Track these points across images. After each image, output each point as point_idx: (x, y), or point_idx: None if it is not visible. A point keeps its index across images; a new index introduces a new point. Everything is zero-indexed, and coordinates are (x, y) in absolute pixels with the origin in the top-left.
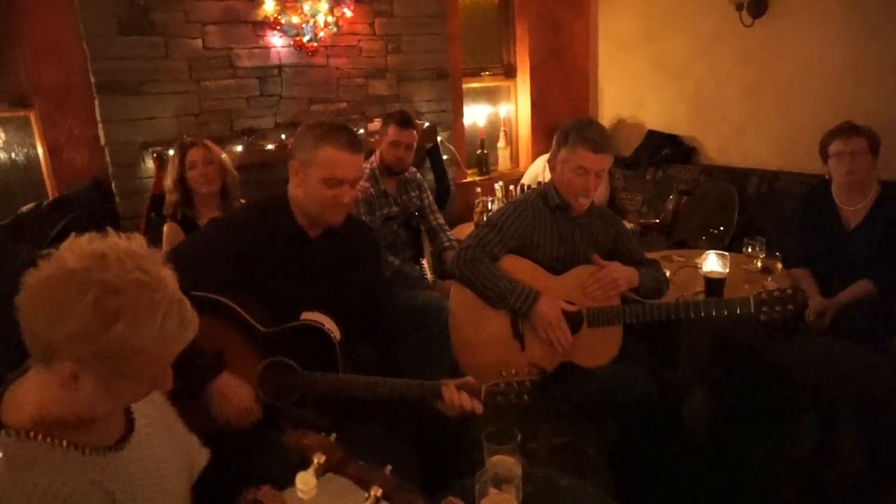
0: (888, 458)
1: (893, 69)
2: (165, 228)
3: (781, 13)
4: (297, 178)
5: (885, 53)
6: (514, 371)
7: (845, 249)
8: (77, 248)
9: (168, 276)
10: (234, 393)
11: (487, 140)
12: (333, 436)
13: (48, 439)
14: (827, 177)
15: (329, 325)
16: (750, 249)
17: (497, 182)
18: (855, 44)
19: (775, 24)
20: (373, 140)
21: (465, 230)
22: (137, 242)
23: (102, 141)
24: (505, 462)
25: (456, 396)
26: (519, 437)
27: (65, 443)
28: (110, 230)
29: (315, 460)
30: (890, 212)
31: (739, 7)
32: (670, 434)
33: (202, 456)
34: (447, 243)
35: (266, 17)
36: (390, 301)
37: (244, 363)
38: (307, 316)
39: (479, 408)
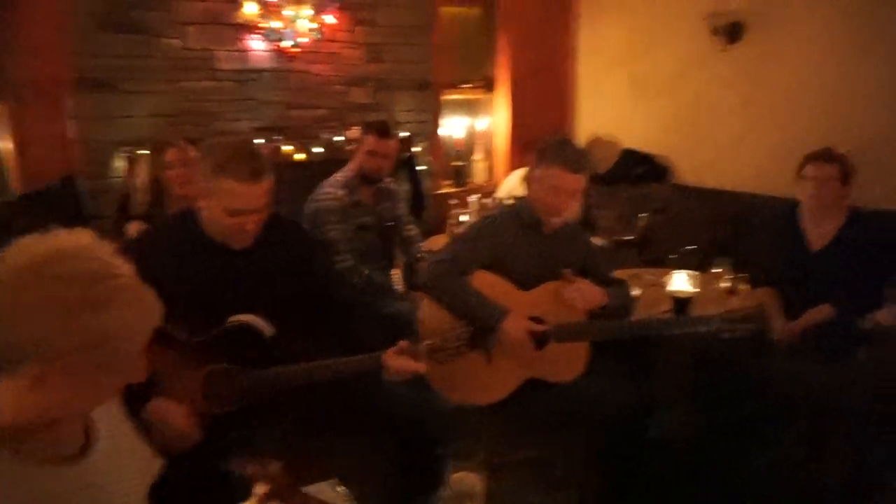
0: (871, 467)
1: (866, 94)
2: (132, 227)
3: (757, 39)
4: (202, 204)
5: (859, 79)
6: (447, 328)
7: (809, 270)
8: (25, 248)
9: (123, 263)
10: (164, 419)
11: (464, 152)
12: (280, 464)
13: (5, 452)
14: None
15: (256, 321)
16: (717, 269)
17: (472, 195)
18: (828, 69)
19: (751, 50)
20: (350, 147)
21: (439, 242)
22: (85, 235)
23: (75, 138)
24: (467, 479)
25: (399, 362)
26: (482, 455)
27: (18, 457)
28: (54, 228)
29: (258, 490)
30: (856, 237)
31: (715, 32)
32: (640, 449)
33: (156, 464)
34: (419, 254)
35: (247, 20)
36: (337, 295)
37: (182, 378)
38: (234, 318)
39: (421, 367)
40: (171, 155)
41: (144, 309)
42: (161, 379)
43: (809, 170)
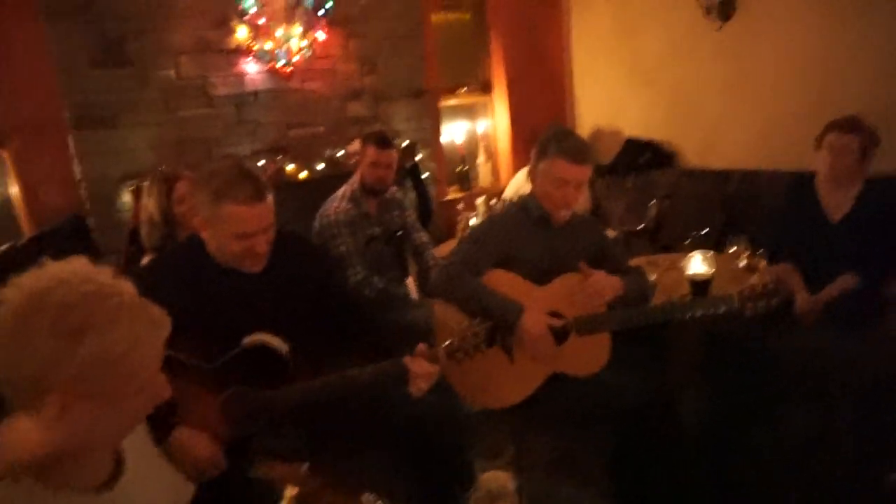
0: (882, 441)
1: (862, 63)
2: (147, 260)
3: (748, 15)
4: (206, 234)
5: (852, 48)
6: (465, 325)
7: (829, 242)
8: (19, 284)
9: (122, 283)
10: (192, 447)
11: (467, 156)
12: (306, 466)
13: (36, 482)
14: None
15: (270, 340)
16: (733, 249)
17: (479, 197)
18: (822, 41)
19: (744, 26)
20: (353, 162)
21: (449, 247)
22: (79, 262)
23: (78, 176)
24: (497, 478)
25: (419, 365)
26: (511, 453)
27: (50, 485)
28: (47, 260)
29: (287, 493)
30: (873, 207)
31: (708, 11)
32: (667, 436)
33: (188, 491)
34: (432, 261)
35: (239, 44)
36: (354, 307)
37: (202, 405)
38: (248, 339)
39: (436, 370)
40: (181, 189)
41: (151, 323)
42: (180, 409)
43: (830, 138)
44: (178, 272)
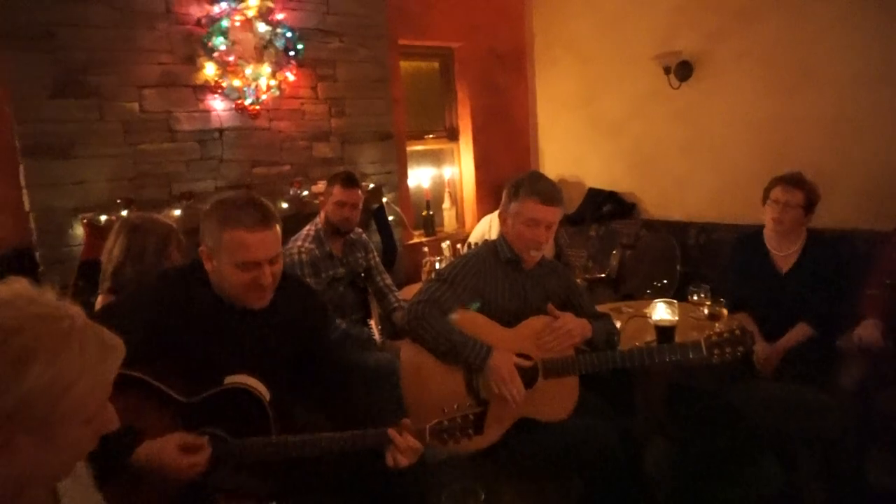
0: (848, 496)
1: (810, 124)
2: (101, 299)
3: (705, 76)
4: (210, 265)
5: (805, 107)
6: (455, 406)
7: (780, 292)
8: None
9: (69, 305)
10: (163, 454)
11: (433, 201)
12: None
13: None
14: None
15: (256, 385)
16: (696, 297)
17: (444, 242)
18: (776, 100)
19: (701, 86)
20: (317, 202)
21: (413, 291)
22: (21, 284)
23: (27, 207)
24: None
25: (407, 439)
26: (482, 497)
27: None
28: None
29: None
30: (819, 257)
31: (667, 71)
32: (634, 485)
33: None
34: (395, 304)
35: (207, 80)
36: (338, 361)
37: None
38: (231, 379)
39: (419, 447)
40: (174, 253)
41: (102, 347)
42: (145, 438)
43: (777, 192)
44: (175, 295)
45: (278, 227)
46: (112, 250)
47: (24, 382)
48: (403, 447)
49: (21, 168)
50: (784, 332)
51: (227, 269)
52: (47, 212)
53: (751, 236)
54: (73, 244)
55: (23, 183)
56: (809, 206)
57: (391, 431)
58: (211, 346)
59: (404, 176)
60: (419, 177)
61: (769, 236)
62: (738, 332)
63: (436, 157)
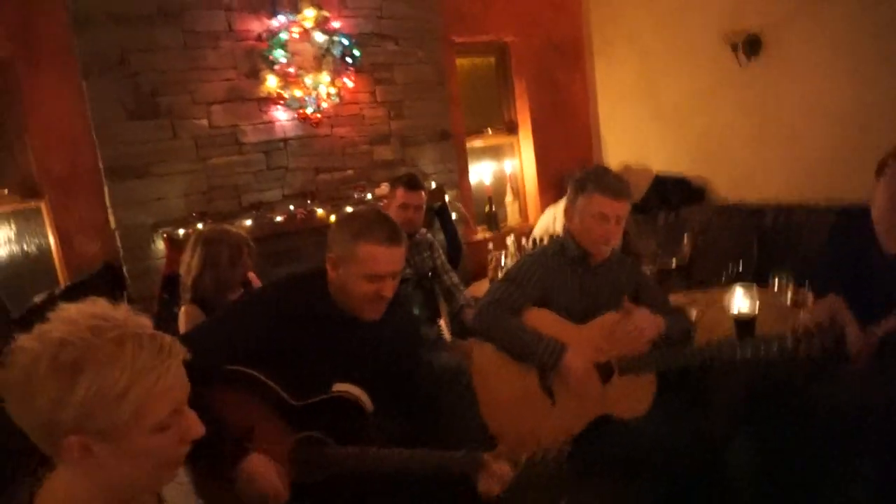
0: None
1: (883, 100)
2: (184, 309)
3: (775, 55)
4: (335, 273)
5: (875, 87)
6: (549, 441)
7: (884, 277)
8: (32, 331)
9: (131, 316)
10: (263, 475)
11: (495, 196)
12: None
13: None
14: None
15: (361, 395)
16: (777, 283)
17: (508, 236)
18: (853, 75)
19: (770, 66)
20: (381, 204)
21: (481, 288)
22: (95, 303)
23: (113, 225)
24: None
25: (504, 468)
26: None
27: None
28: (63, 304)
29: None
30: None
31: (735, 48)
32: (715, 487)
33: None
34: (463, 302)
35: (269, 93)
36: (425, 376)
37: (274, 438)
38: (339, 387)
39: (511, 476)
40: (246, 259)
41: (159, 353)
42: (256, 435)
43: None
44: (296, 300)
45: (404, 246)
46: (189, 263)
47: (76, 392)
48: (497, 474)
49: (105, 188)
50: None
51: (354, 280)
52: (130, 229)
53: (855, 217)
54: (156, 258)
55: (108, 203)
56: None
57: (488, 457)
58: (322, 353)
59: (465, 173)
60: (480, 172)
61: (880, 216)
62: (826, 323)
63: (496, 152)
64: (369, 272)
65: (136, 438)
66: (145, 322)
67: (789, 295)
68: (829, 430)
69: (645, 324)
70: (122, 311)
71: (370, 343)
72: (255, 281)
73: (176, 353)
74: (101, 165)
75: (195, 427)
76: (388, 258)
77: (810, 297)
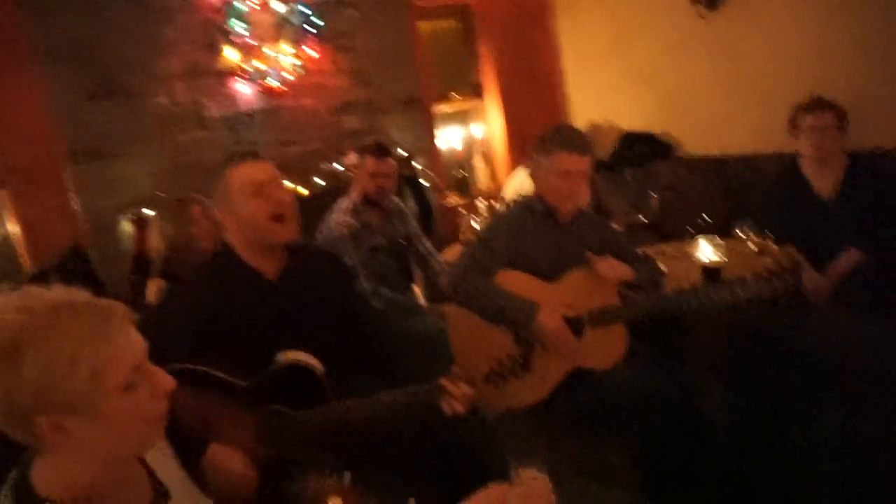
0: None
1: (854, 45)
2: (152, 285)
3: (735, 3)
4: (229, 216)
5: (838, 32)
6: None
7: (825, 220)
8: None
9: (53, 290)
10: (224, 464)
11: (465, 161)
12: (348, 477)
13: None
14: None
15: (307, 359)
16: (741, 233)
17: (479, 201)
18: (816, 20)
19: (732, 14)
20: (351, 174)
21: (454, 253)
22: (25, 290)
23: (78, 209)
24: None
25: (462, 388)
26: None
27: None
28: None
29: None
30: (864, 179)
31: (694, 1)
32: (692, 432)
33: None
34: (437, 268)
35: (230, 66)
36: (379, 321)
37: (235, 424)
38: (283, 357)
39: (472, 393)
40: (195, 212)
41: (98, 315)
42: (213, 428)
43: (808, 120)
44: (213, 282)
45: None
46: (153, 240)
47: (24, 372)
48: (458, 395)
49: (69, 173)
50: (833, 261)
51: (244, 205)
52: (96, 212)
53: (787, 168)
54: (124, 240)
55: (71, 187)
56: (842, 124)
57: (444, 382)
58: (256, 326)
59: (433, 139)
60: (449, 138)
61: (807, 165)
62: (785, 263)
63: (463, 117)
64: (251, 190)
65: (106, 404)
66: (80, 293)
67: (753, 243)
68: (796, 372)
69: (613, 266)
70: (53, 290)
71: (293, 300)
72: None
73: (117, 313)
74: (63, 150)
75: (164, 380)
76: (256, 169)
77: (772, 243)
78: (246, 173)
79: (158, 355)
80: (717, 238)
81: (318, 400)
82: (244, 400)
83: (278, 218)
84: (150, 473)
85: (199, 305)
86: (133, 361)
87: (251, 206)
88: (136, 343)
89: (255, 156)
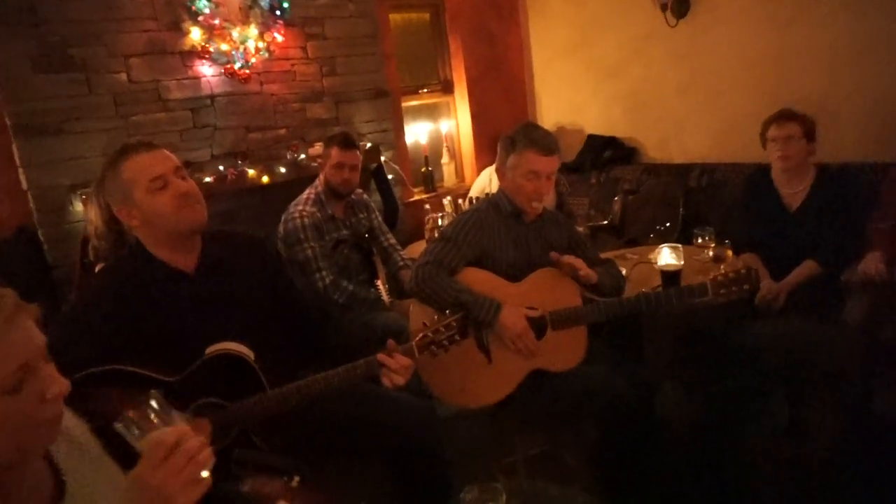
0: (856, 427)
1: (813, 57)
2: (100, 268)
3: (703, 11)
4: (135, 213)
5: (807, 39)
6: (436, 317)
7: (789, 231)
8: None
9: None
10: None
11: (431, 157)
12: (297, 479)
13: None
14: (768, 162)
15: (237, 347)
16: (700, 240)
17: (445, 197)
18: (775, 32)
19: (699, 22)
20: (316, 164)
21: (417, 248)
22: None
23: (25, 187)
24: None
25: (399, 359)
26: (504, 498)
27: None
28: (15, 282)
29: None
30: (828, 193)
31: (664, 8)
32: (647, 430)
33: None
34: (401, 263)
35: (193, 46)
36: (305, 303)
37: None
38: (212, 348)
39: (410, 363)
40: None
41: None
42: None
43: (773, 131)
44: (127, 279)
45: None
46: (92, 220)
47: None
48: (395, 367)
49: (14, 148)
50: (791, 270)
51: (150, 202)
52: (45, 190)
53: (759, 176)
54: (74, 221)
55: (18, 163)
56: (808, 134)
57: (381, 356)
58: (178, 322)
59: (401, 133)
60: (416, 133)
61: (778, 175)
62: (743, 271)
63: (431, 112)
64: (155, 185)
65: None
66: None
67: (711, 250)
68: (746, 372)
69: (577, 261)
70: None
71: (214, 291)
72: None
73: (5, 306)
74: (7, 123)
75: (55, 383)
76: (155, 160)
77: (729, 251)
78: (145, 166)
79: (69, 357)
80: (677, 243)
81: (255, 389)
82: (175, 396)
83: (186, 205)
84: (54, 468)
85: (113, 309)
86: (20, 361)
87: (156, 201)
88: (26, 340)
89: (149, 146)
